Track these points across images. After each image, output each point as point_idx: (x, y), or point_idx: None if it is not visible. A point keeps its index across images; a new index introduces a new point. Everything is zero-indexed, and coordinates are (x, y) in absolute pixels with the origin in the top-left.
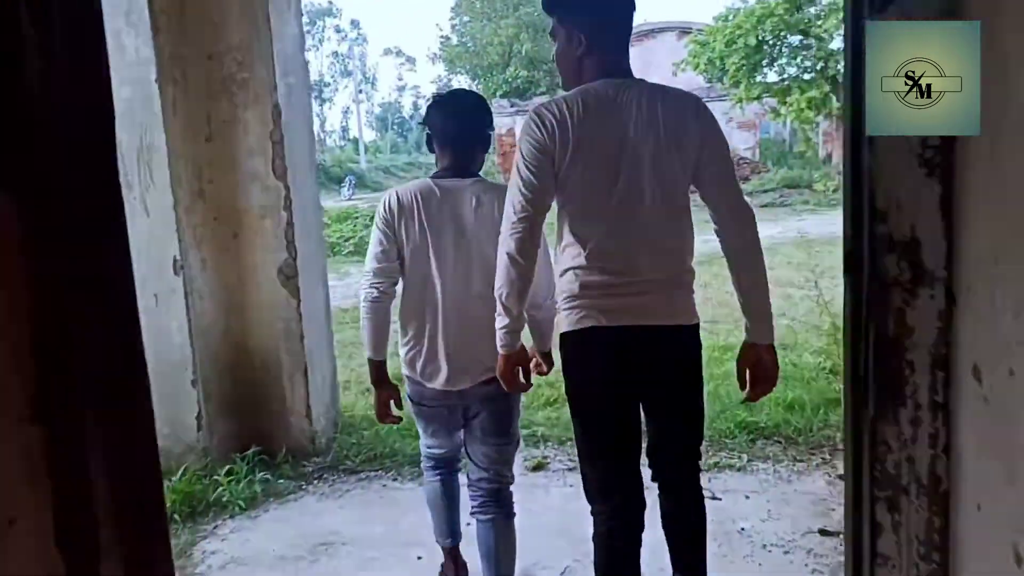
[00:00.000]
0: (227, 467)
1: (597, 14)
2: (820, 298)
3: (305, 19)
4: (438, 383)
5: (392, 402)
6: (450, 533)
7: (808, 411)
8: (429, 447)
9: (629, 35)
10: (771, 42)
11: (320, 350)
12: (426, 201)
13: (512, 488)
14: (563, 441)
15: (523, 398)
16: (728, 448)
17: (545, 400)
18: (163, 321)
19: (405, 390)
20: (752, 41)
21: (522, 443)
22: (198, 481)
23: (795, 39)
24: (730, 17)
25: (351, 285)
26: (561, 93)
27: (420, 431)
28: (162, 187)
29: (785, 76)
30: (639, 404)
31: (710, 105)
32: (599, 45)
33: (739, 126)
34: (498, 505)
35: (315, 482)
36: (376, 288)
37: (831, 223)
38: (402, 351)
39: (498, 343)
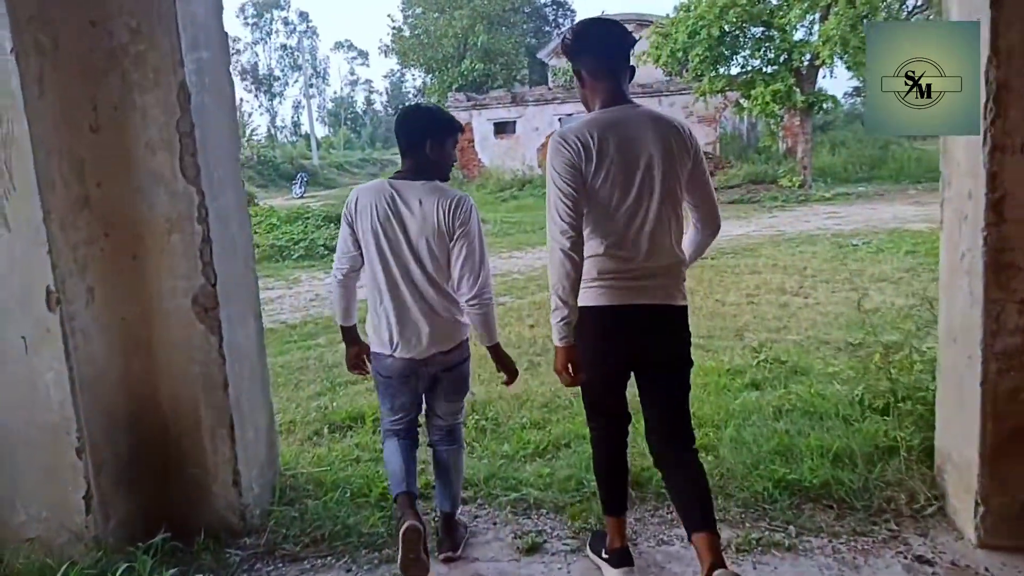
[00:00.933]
0: (126, 563)
1: (592, 56)
2: (867, 323)
3: (252, 10)
4: (405, 353)
5: (365, 357)
6: (403, 480)
7: (860, 465)
8: (391, 420)
9: (624, 68)
10: (734, 33)
11: (252, 397)
12: (378, 199)
13: (462, 425)
14: (562, 507)
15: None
16: (769, 516)
17: (534, 448)
18: (35, 372)
19: (371, 367)
20: (715, 32)
21: (509, 514)
22: None
23: (757, 30)
24: (692, 7)
25: (301, 295)
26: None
27: (384, 408)
28: (27, 193)
29: (748, 68)
30: (636, 365)
31: (671, 99)
32: (596, 78)
33: (699, 120)
34: (451, 439)
35: (243, 575)
36: (340, 271)
37: (804, 220)
38: (369, 329)
39: (555, 336)
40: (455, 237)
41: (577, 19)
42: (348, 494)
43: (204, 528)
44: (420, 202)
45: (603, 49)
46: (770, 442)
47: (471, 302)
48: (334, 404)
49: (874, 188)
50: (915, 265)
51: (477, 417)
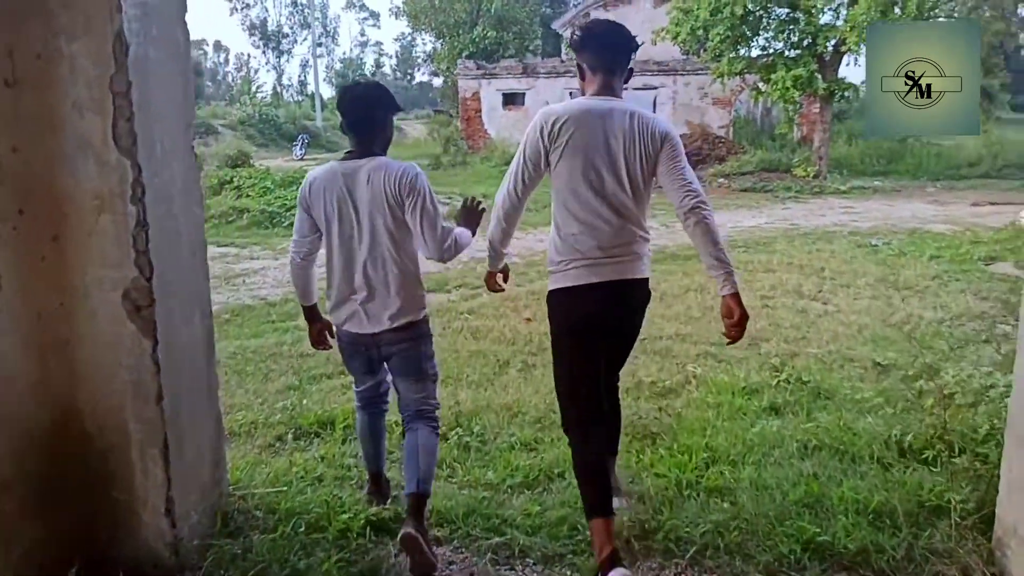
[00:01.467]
0: None
1: (593, 53)
2: (916, 348)
3: None
4: (353, 327)
5: (327, 332)
6: (374, 459)
7: (903, 527)
8: (357, 387)
9: (619, 67)
10: (758, 13)
11: (195, 409)
12: (331, 183)
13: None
14: (551, 558)
15: (435, 347)
16: None
17: (523, 477)
18: None
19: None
20: (739, 11)
21: (489, 564)
22: None
23: (782, 11)
24: None
25: (287, 267)
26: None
27: (350, 373)
28: None
29: (770, 51)
30: (603, 337)
31: (686, 78)
32: (594, 72)
33: (714, 102)
34: (423, 420)
35: None
36: (297, 255)
37: (819, 214)
38: (328, 304)
39: (487, 264)
40: (407, 207)
41: None
42: (303, 527)
43: (128, 563)
44: (369, 178)
45: (604, 48)
46: (796, 489)
47: (442, 260)
48: (304, 403)
49: (891, 183)
50: (940, 272)
51: (461, 432)
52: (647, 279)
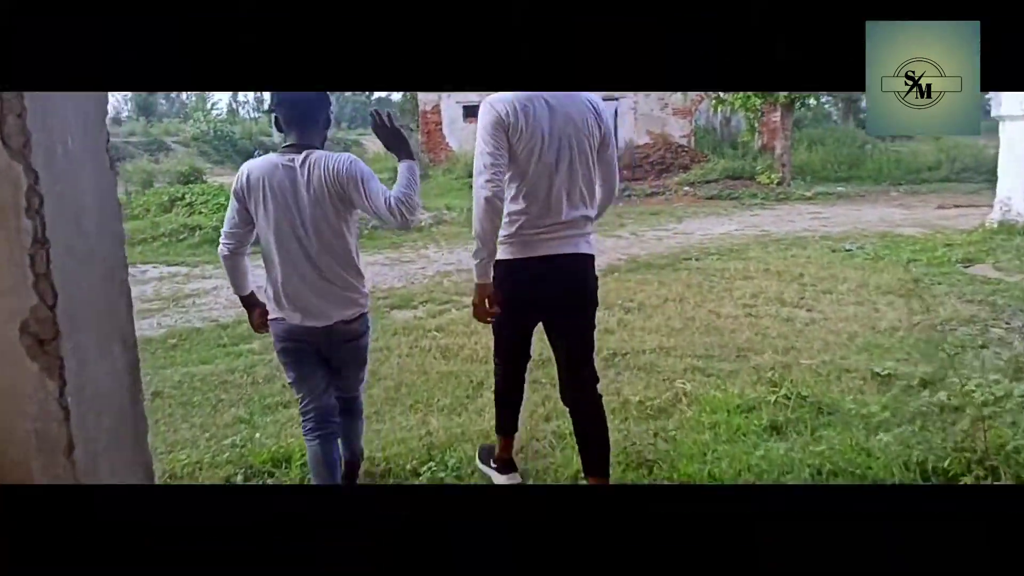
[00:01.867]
0: None
1: None
2: (917, 357)
3: None
4: (308, 320)
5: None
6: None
7: None
8: (305, 402)
9: None
10: None
11: (118, 458)
12: (270, 176)
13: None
14: None
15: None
16: None
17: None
18: None
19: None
20: None
21: None
22: None
23: None
24: None
25: None
26: None
27: (293, 386)
28: None
29: None
30: (546, 309)
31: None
32: None
33: (674, 112)
34: (350, 412)
35: None
36: (227, 247)
37: (788, 220)
38: (267, 299)
39: (476, 275)
40: (353, 194)
41: None
42: None
43: None
44: (308, 171)
45: None
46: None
47: (405, 223)
48: (256, 438)
49: (854, 188)
50: (920, 276)
51: (434, 467)
52: (592, 256)
